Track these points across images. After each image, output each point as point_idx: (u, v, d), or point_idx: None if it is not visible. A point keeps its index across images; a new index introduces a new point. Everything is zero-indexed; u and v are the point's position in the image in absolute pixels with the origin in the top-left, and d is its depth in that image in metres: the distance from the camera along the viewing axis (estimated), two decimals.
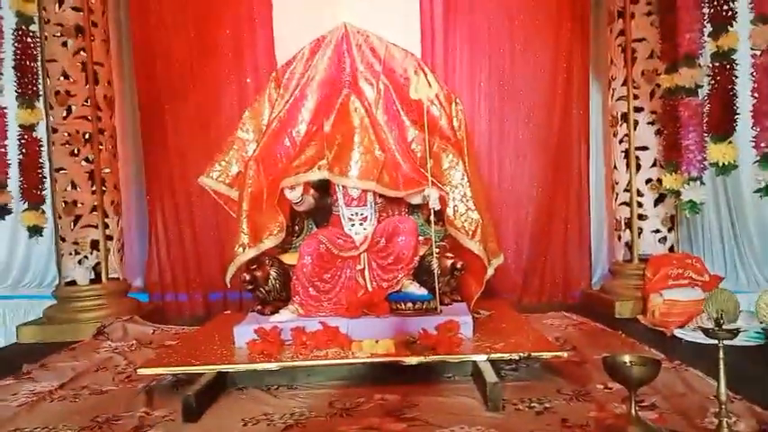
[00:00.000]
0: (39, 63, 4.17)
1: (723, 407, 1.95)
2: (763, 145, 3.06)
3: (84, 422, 2.44)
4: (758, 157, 3.08)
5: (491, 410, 2.36)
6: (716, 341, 1.97)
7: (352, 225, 3.31)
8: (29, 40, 4.07)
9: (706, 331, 2.03)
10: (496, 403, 2.37)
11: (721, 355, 1.96)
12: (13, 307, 4.99)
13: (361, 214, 3.32)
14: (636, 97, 4.27)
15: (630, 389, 2.04)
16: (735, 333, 1.98)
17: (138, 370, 2.79)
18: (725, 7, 3.33)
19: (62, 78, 4.22)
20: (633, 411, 2.03)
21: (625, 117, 4.33)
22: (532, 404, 2.43)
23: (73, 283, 4.32)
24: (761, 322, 3.25)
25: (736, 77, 3.33)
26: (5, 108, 3.91)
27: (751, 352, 3.08)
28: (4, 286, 5.35)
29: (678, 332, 3.49)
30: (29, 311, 4.82)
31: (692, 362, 2.85)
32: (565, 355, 2.78)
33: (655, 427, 2.05)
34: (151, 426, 2.37)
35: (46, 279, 5.34)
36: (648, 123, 4.24)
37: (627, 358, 2.10)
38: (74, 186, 4.28)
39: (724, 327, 1.99)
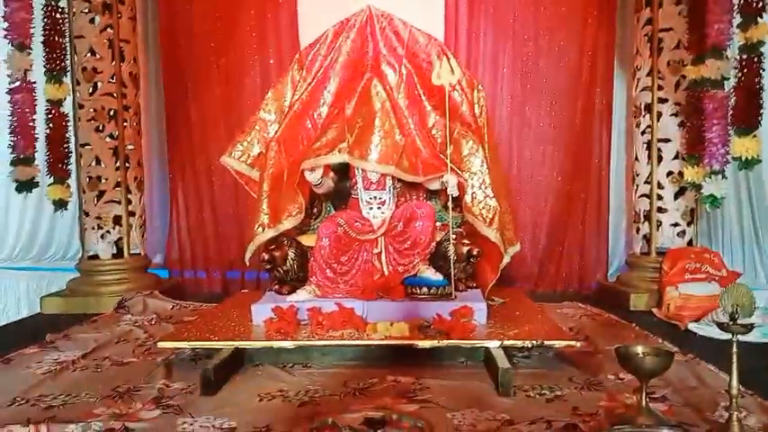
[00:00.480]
0: (67, 39, 4.23)
1: (734, 401, 1.95)
2: None
3: (106, 391, 2.51)
4: None
5: (502, 396, 2.39)
6: (730, 335, 1.98)
7: (371, 209, 3.33)
8: (57, 15, 4.12)
9: (720, 325, 2.04)
10: (507, 389, 2.40)
11: (734, 349, 1.97)
12: (36, 278, 5.11)
13: (380, 198, 3.33)
14: (660, 88, 4.20)
15: (642, 379, 2.06)
16: (749, 328, 1.99)
17: (158, 343, 2.88)
18: None
19: (89, 55, 4.27)
20: (644, 402, 2.05)
21: (649, 108, 4.27)
22: (543, 391, 2.45)
23: (95, 257, 4.42)
24: None
25: (764, 70, 3.29)
26: (34, 83, 3.99)
27: (766, 349, 3.07)
28: (29, 258, 5.48)
29: (692, 326, 3.48)
30: (52, 283, 4.93)
31: (705, 356, 2.85)
32: (577, 344, 2.80)
33: (664, 418, 2.07)
34: (170, 397, 2.43)
35: (69, 252, 5.45)
36: (672, 115, 4.18)
37: (640, 349, 2.12)
38: (98, 162, 4.36)
39: (738, 321, 1.99)
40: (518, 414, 2.20)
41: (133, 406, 2.35)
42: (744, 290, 2.09)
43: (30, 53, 3.95)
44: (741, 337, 1.98)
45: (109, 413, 2.27)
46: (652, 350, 2.13)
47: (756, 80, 3.29)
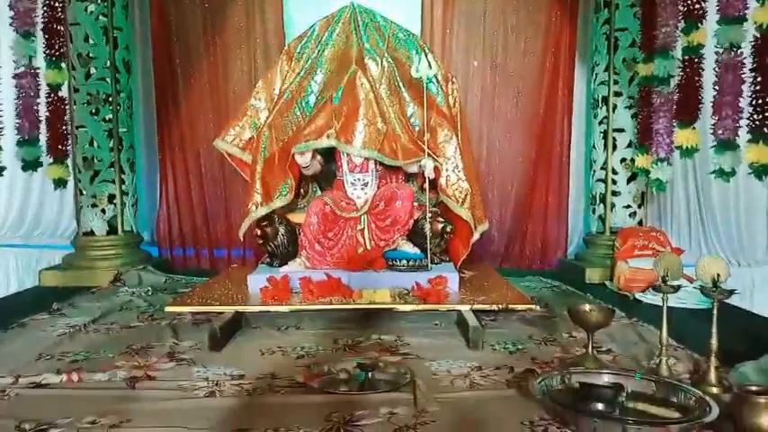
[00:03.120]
0: (65, 26, 4.42)
1: (663, 348, 2.37)
2: (720, 132, 3.47)
3: (122, 349, 2.79)
4: (714, 143, 3.49)
5: (472, 349, 2.76)
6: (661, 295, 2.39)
7: (354, 189, 3.68)
8: (56, 4, 4.32)
9: (654, 287, 2.45)
10: (477, 344, 2.77)
11: (665, 305, 2.38)
12: (25, 255, 5.28)
13: (363, 180, 3.68)
14: (616, 82, 4.62)
15: (588, 331, 2.46)
16: (676, 288, 2.40)
17: (165, 308, 3.17)
18: (697, 6, 3.69)
19: (84, 41, 4.45)
20: (590, 350, 2.46)
21: (605, 100, 4.69)
22: (507, 346, 2.84)
23: (90, 233, 4.64)
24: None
25: (703, 70, 3.72)
26: (38, 68, 4.18)
27: (699, 313, 3.49)
28: (17, 236, 5.64)
29: (639, 295, 3.91)
30: (40, 260, 5.10)
31: (648, 319, 3.26)
32: (537, 308, 3.20)
33: (606, 363, 2.48)
34: (182, 352, 2.74)
35: (58, 230, 5.63)
36: (626, 107, 4.60)
37: (587, 306, 2.52)
38: (92, 143, 4.57)
39: (668, 283, 2.40)
40: (485, 362, 2.58)
41: (149, 360, 2.65)
42: (673, 257, 2.52)
43: (34, 40, 4.15)
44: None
45: (129, 365, 2.57)
46: (597, 307, 2.53)
47: (696, 79, 3.72)
